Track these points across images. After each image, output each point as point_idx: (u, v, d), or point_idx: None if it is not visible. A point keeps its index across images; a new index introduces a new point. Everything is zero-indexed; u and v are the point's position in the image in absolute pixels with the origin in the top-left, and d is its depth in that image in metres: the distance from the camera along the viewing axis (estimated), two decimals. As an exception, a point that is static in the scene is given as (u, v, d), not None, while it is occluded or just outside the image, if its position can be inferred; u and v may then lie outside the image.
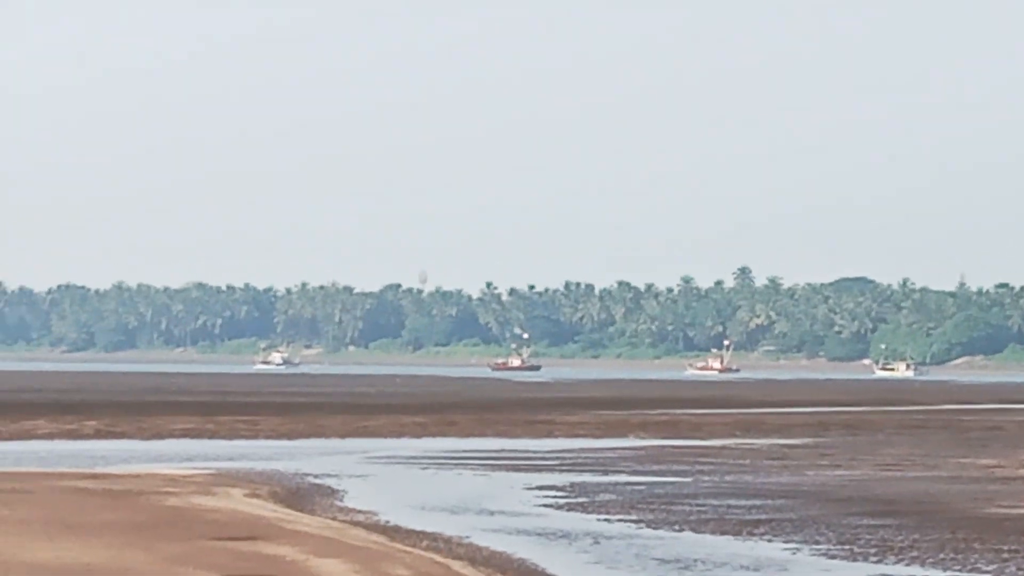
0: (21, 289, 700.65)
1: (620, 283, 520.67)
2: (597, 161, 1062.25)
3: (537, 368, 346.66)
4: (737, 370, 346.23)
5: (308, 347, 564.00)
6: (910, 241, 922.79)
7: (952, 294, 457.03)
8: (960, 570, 35.73)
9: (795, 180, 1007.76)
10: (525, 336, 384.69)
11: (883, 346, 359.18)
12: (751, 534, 45.32)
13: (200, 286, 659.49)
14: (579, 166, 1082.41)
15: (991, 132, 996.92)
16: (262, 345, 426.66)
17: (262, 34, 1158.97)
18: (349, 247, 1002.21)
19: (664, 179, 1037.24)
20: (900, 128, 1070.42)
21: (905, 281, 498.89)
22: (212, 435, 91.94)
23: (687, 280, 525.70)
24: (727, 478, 65.62)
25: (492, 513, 52.43)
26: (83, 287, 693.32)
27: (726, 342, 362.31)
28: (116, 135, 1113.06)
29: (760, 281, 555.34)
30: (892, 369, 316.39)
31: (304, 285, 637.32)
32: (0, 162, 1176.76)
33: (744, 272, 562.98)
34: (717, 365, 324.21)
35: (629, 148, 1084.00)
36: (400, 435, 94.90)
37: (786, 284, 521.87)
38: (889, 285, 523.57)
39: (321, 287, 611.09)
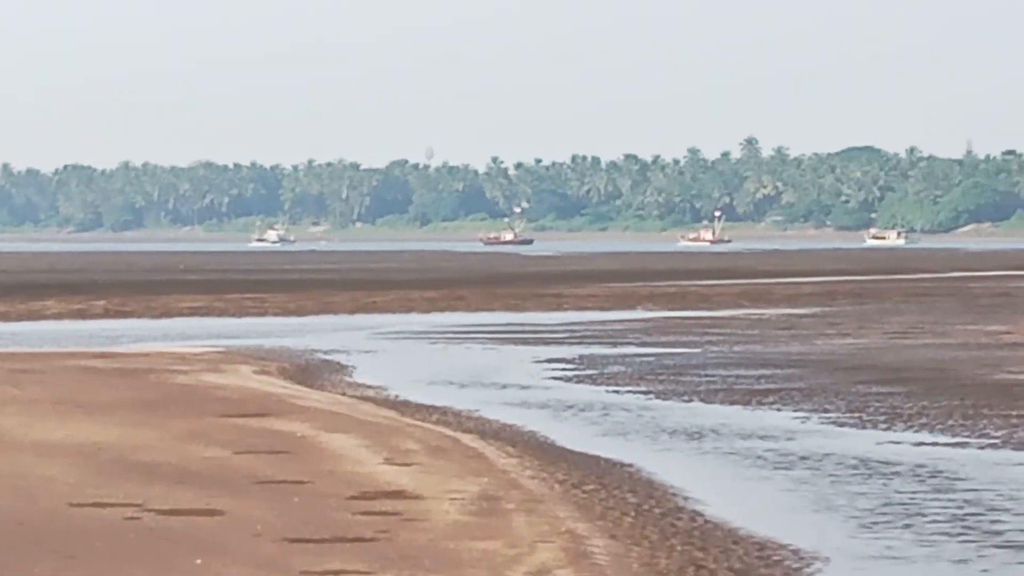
0: (28, 170, 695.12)
1: (627, 156, 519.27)
2: (602, 36, 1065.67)
3: (530, 242, 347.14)
4: (729, 241, 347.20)
5: (316, 224, 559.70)
6: (917, 108, 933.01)
7: (959, 162, 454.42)
8: (969, 436, 38.28)
9: (801, 48, 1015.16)
10: (517, 210, 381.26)
11: (891, 215, 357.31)
12: (760, 403, 47.43)
13: (207, 165, 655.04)
14: (584, 40, 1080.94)
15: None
16: (257, 223, 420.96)
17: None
18: (355, 124, 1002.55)
19: (670, 50, 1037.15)
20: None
21: (912, 149, 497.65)
22: (220, 313, 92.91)
23: (693, 152, 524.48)
24: (736, 348, 68.63)
25: (501, 387, 53.78)
26: (89, 167, 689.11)
27: (717, 213, 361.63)
28: (123, 16, 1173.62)
29: (767, 152, 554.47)
30: (883, 238, 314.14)
31: (311, 162, 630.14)
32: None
33: (751, 143, 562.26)
34: (709, 236, 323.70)
35: (634, 22, 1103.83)
36: (409, 311, 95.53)
37: (793, 154, 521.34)
38: (896, 154, 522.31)
39: (328, 164, 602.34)
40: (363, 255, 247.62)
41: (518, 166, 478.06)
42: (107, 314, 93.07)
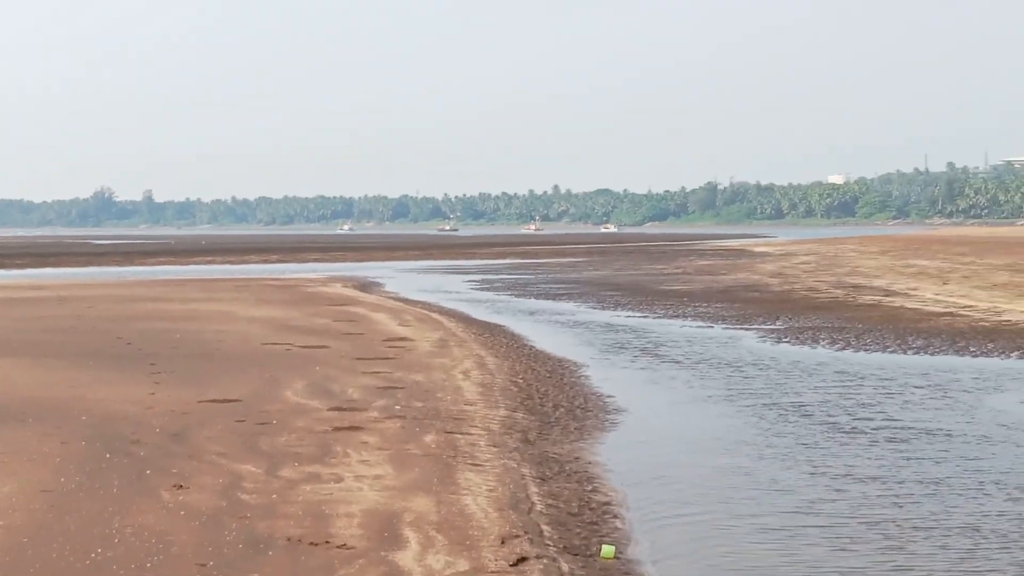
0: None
1: (503, 192, 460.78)
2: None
3: (457, 230, 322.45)
4: (542, 230, 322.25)
5: (348, 223, 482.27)
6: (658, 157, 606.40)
7: (646, 195, 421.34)
8: (649, 313, 38.15)
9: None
10: (452, 217, 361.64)
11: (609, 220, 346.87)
12: (559, 299, 47.27)
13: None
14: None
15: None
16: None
17: None
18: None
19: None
20: None
21: (626, 190, 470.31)
22: (327, 261, 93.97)
23: (531, 190, 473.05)
24: (549, 276, 68.35)
25: (447, 292, 53.66)
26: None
27: (537, 217, 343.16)
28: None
29: (563, 190, 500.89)
30: (609, 226, 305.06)
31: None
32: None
33: (557, 187, 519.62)
34: (534, 227, 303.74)
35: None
36: (406, 259, 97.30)
37: (575, 191, 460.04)
38: (625, 189, 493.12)
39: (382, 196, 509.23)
40: (386, 236, 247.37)
41: (456, 197, 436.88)
42: (278, 261, 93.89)
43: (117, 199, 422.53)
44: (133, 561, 9.02)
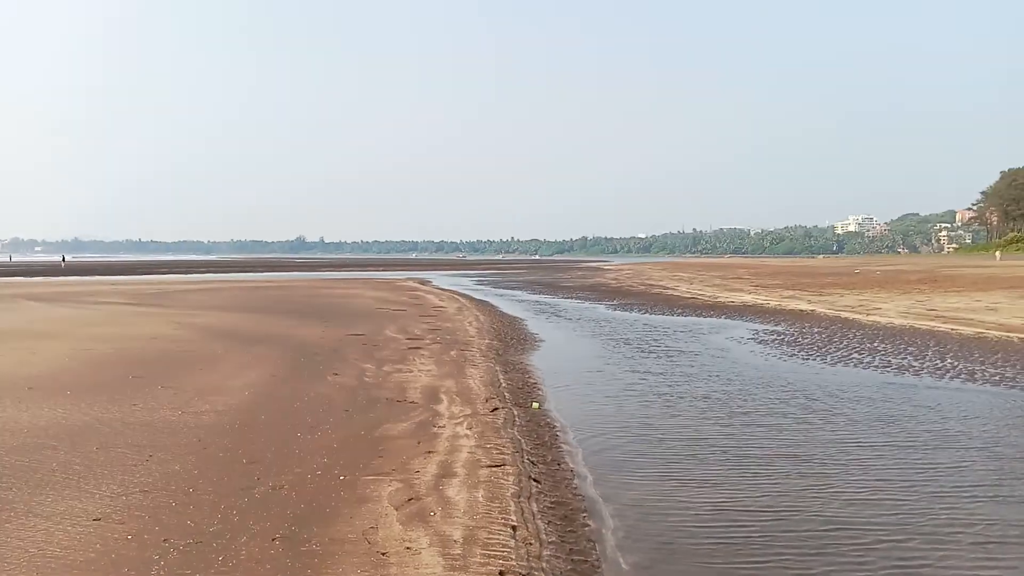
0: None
1: (475, 240, 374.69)
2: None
3: (466, 257, 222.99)
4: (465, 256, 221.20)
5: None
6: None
7: (571, 242, 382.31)
8: (554, 295, 37.47)
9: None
10: (461, 254, 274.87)
11: None
12: (513, 288, 44.18)
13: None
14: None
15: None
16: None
17: None
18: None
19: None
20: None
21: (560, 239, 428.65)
22: (401, 271, 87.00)
23: (450, 239, 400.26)
24: (509, 279, 64.64)
25: (463, 286, 49.07)
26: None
27: (462, 254, 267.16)
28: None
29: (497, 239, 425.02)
30: (536, 256, 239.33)
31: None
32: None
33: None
34: (461, 256, 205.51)
35: None
36: (441, 272, 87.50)
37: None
38: (564, 239, 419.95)
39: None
40: (431, 260, 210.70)
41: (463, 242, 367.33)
42: (383, 270, 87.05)
43: (308, 239, 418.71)
44: (314, 408, 9.87)
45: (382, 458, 7.55)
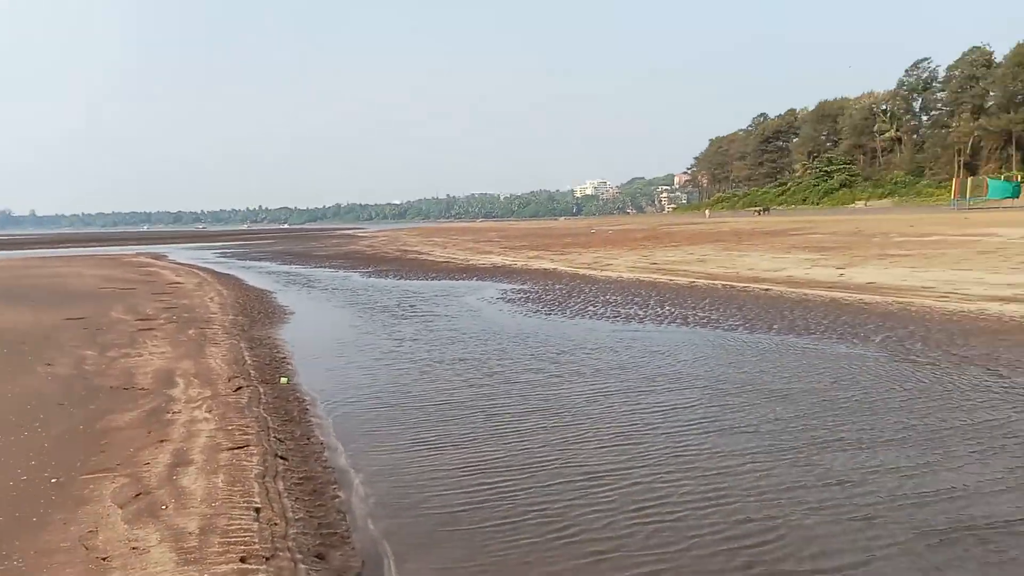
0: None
1: (430, 197, 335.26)
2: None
3: (206, 227, 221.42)
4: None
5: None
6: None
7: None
8: (306, 265, 36.38)
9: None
10: (202, 223, 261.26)
11: None
12: (260, 260, 42.23)
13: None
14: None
15: None
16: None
17: None
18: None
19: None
20: None
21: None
22: (132, 245, 79.04)
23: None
24: (256, 250, 59.58)
25: (202, 259, 45.96)
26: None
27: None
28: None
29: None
30: (284, 225, 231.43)
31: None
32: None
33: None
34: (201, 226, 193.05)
35: None
36: (182, 243, 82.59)
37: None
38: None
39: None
40: (172, 232, 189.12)
41: (205, 212, 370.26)
42: (117, 245, 79.94)
43: (15, 213, 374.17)
44: (19, 406, 8.96)
45: (105, 453, 7.08)
